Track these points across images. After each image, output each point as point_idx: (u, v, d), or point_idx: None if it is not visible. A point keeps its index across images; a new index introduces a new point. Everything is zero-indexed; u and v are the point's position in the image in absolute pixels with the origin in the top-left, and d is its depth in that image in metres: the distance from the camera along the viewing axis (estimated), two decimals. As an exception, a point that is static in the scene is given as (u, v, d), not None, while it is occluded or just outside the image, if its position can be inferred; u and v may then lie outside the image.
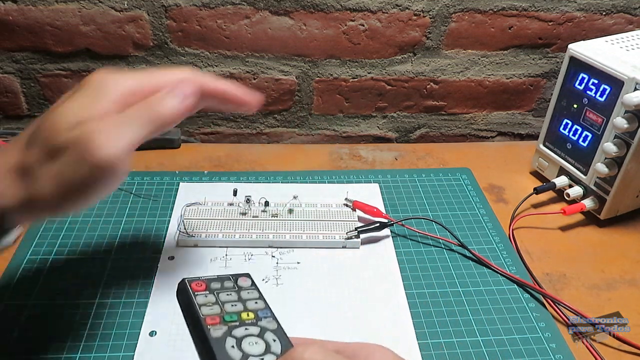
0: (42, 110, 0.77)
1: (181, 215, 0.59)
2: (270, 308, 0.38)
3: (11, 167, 0.35)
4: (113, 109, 0.35)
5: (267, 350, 0.34)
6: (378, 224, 0.59)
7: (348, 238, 0.58)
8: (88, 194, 0.34)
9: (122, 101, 0.35)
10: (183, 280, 0.39)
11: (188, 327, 0.37)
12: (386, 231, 0.60)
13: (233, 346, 0.34)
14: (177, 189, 0.65)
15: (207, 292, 0.38)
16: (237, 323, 0.36)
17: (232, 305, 0.37)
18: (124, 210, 0.62)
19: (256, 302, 0.38)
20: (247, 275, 0.42)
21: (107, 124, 0.33)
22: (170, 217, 0.61)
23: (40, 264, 0.55)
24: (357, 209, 0.61)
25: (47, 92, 0.76)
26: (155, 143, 0.74)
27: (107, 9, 0.69)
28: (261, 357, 0.33)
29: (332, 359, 0.30)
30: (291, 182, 0.68)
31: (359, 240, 0.58)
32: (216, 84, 0.40)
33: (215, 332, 0.34)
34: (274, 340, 0.35)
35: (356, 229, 0.58)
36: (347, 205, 0.62)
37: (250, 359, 0.33)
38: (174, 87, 0.37)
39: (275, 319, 0.37)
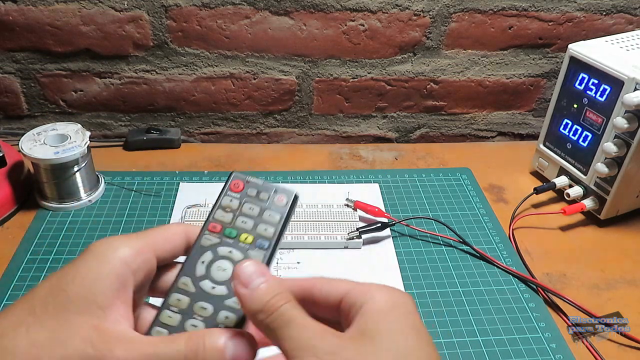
0: (42, 110, 0.77)
1: (182, 217, 0.59)
2: (277, 242, 0.31)
3: None
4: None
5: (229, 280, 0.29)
6: (380, 224, 0.59)
7: (350, 238, 0.58)
8: None
9: None
10: (232, 172, 0.33)
11: None
12: (387, 231, 0.60)
13: (203, 262, 0.30)
14: (178, 188, 0.65)
15: (240, 195, 0.32)
16: (231, 241, 0.30)
17: (243, 222, 0.31)
18: (124, 210, 0.62)
19: (266, 229, 0.31)
20: (292, 195, 0.32)
21: None
22: (170, 217, 0.60)
23: (40, 264, 0.55)
24: (358, 209, 0.61)
25: (47, 92, 0.76)
26: (155, 143, 0.74)
27: (107, 9, 0.69)
28: (213, 287, 0.29)
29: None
30: (291, 182, 0.68)
31: (361, 240, 0.58)
32: None
33: (205, 240, 0.30)
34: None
35: (358, 229, 0.58)
36: (348, 206, 0.62)
37: (203, 281, 0.29)
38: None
39: (270, 254, 0.30)
